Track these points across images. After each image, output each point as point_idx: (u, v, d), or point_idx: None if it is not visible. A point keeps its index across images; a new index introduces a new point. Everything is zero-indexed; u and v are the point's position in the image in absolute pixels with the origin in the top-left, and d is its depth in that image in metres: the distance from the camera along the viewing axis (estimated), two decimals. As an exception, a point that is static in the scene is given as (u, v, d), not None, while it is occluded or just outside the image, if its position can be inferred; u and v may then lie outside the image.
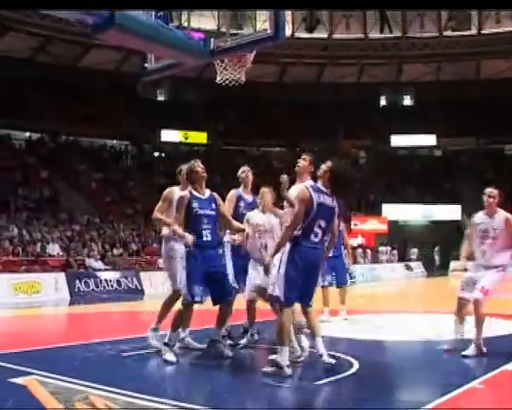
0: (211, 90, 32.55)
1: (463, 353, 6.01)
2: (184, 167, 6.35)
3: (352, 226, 29.31)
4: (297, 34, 33.25)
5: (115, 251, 20.63)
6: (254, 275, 6.37)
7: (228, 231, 6.76)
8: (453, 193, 33.67)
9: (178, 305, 6.12)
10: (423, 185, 34.47)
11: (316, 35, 34.27)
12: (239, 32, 21.59)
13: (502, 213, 6.32)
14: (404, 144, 37.58)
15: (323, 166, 5.54)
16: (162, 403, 4.35)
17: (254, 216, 6.54)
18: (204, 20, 28.37)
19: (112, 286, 16.79)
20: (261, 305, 6.61)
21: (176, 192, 6.43)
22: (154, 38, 5.71)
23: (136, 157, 34.26)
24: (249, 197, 6.94)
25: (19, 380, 4.95)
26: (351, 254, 10.90)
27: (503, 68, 34.03)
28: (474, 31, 33.32)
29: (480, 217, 6.39)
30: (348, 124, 35.32)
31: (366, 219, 31.97)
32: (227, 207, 6.65)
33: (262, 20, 26.45)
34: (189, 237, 5.75)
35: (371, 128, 36.17)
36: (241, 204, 6.84)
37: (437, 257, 31.44)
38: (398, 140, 37.40)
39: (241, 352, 6.52)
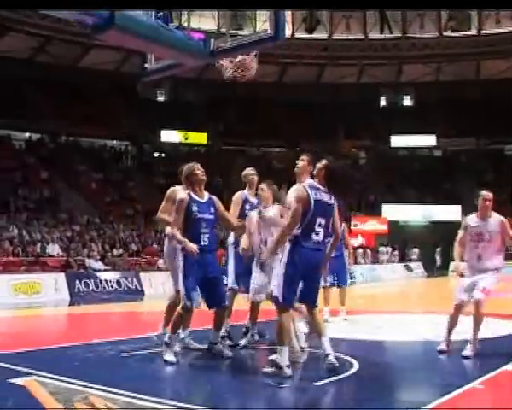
0: (211, 90, 32.76)
1: (463, 354, 6.01)
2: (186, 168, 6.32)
3: (352, 227, 29.29)
4: (297, 34, 33.24)
5: (115, 251, 20.63)
6: (257, 276, 6.35)
7: (232, 232, 6.75)
8: (453, 193, 33.65)
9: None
10: (423, 186, 34.46)
11: (316, 35, 34.25)
12: (239, 32, 21.67)
13: (496, 216, 6.31)
14: (404, 145, 37.55)
15: (319, 165, 5.58)
16: (162, 403, 4.34)
17: (255, 213, 6.51)
18: (204, 21, 28.37)
19: (112, 287, 16.78)
20: (263, 305, 6.61)
21: (179, 192, 6.36)
22: (154, 38, 5.71)
23: (136, 157, 34.26)
24: (255, 199, 6.90)
25: (19, 380, 4.94)
26: (352, 254, 10.90)
27: (503, 68, 34.02)
28: (474, 31, 33.30)
29: (473, 220, 6.35)
30: (348, 124, 35.32)
31: (366, 219, 31.95)
32: (232, 210, 6.64)
33: (262, 21, 26.49)
34: (189, 245, 5.71)
35: (371, 128, 36.17)
36: (247, 206, 6.78)
37: (438, 257, 31.44)
38: (398, 140, 37.38)
39: (240, 352, 6.52)
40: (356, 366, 5.59)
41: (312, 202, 5.30)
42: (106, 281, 16.82)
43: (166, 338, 5.94)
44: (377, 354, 6.84)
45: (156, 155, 35.39)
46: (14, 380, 4.96)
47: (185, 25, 6.41)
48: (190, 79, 31.55)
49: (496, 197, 6.53)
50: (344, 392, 5.05)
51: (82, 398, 4.43)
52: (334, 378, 5.10)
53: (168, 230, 6.44)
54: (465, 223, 6.43)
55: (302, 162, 6.11)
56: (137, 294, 16.77)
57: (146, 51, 6.40)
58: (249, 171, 7.05)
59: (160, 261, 19.07)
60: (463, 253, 6.37)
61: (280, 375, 5.12)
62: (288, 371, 5.17)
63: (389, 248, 31.21)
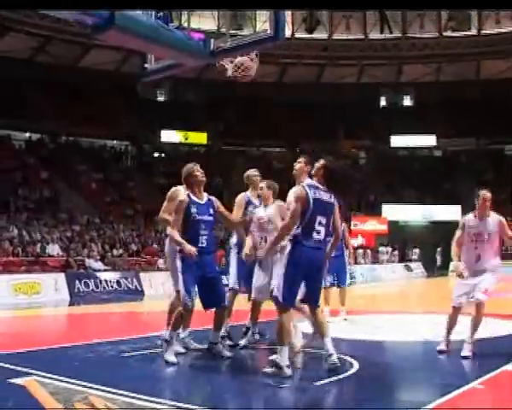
0: (211, 90, 32.78)
1: (462, 354, 6.01)
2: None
3: (352, 227, 29.30)
4: (297, 34, 33.25)
5: (115, 252, 20.63)
6: (258, 276, 6.34)
7: (235, 234, 6.73)
8: (453, 193, 33.64)
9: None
10: (423, 186, 34.46)
11: (316, 35, 34.26)
12: (239, 32, 21.66)
13: (495, 216, 6.28)
14: (404, 145, 37.56)
15: (317, 165, 5.59)
16: (162, 404, 4.34)
17: (257, 211, 6.51)
18: (204, 21, 28.39)
19: (112, 287, 16.77)
20: (264, 305, 6.60)
21: (181, 192, 6.31)
22: (154, 38, 5.70)
23: (136, 157, 34.26)
24: (258, 201, 6.87)
25: (18, 381, 4.94)
26: (352, 254, 10.90)
27: (503, 69, 34.01)
28: (474, 31, 33.30)
29: (472, 220, 6.30)
30: (348, 124, 35.33)
31: (366, 219, 31.97)
32: (236, 212, 6.62)
33: (262, 21, 26.45)
34: (188, 247, 5.70)
35: (371, 128, 36.18)
36: (250, 208, 6.75)
37: (439, 257, 31.43)
38: (397, 140, 37.39)
39: (240, 352, 6.52)
40: (356, 366, 5.58)
41: (311, 200, 5.31)
42: (106, 281, 16.82)
43: (167, 336, 5.93)
44: (377, 354, 6.84)
45: (156, 155, 35.40)
46: (14, 380, 4.96)
47: (185, 25, 6.40)
48: (190, 79, 31.56)
49: (496, 197, 6.53)
50: (344, 392, 5.05)
51: (82, 398, 4.43)
52: (334, 378, 5.10)
53: (169, 230, 6.43)
54: (463, 223, 6.37)
55: (299, 164, 6.10)
56: (137, 294, 16.77)
57: (146, 51, 6.40)
58: (252, 172, 7.01)
59: (160, 261, 19.09)
60: (460, 252, 6.34)
61: (280, 375, 5.12)
62: (288, 371, 5.17)
63: (389, 249, 31.22)
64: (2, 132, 28.71)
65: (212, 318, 6.10)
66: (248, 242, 6.37)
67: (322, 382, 4.98)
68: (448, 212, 32.67)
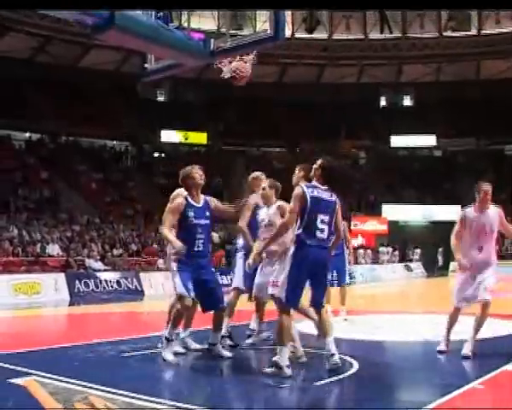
0: (211, 90, 32.72)
1: (463, 352, 6.00)
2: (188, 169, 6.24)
3: (352, 227, 29.26)
4: (297, 34, 33.23)
5: (115, 252, 20.63)
6: (259, 274, 6.33)
7: (242, 237, 6.70)
8: (453, 193, 33.61)
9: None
10: (423, 186, 34.46)
11: (316, 35, 34.25)
12: (239, 32, 21.65)
13: (493, 208, 6.27)
14: (404, 145, 37.55)
15: (314, 165, 5.59)
16: (161, 404, 4.35)
17: (260, 213, 6.49)
18: (204, 21, 28.37)
19: (112, 287, 16.77)
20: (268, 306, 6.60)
21: (183, 196, 6.28)
22: (154, 38, 5.70)
23: (136, 157, 34.26)
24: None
25: (18, 380, 4.95)
26: (352, 253, 10.90)
27: (503, 69, 34.00)
28: (473, 31, 33.28)
29: (472, 213, 6.26)
30: (348, 124, 35.31)
31: (366, 219, 31.97)
32: (245, 217, 6.57)
33: (262, 21, 26.44)
34: (178, 244, 5.67)
35: (371, 128, 36.17)
36: (259, 212, 6.72)
37: (440, 257, 31.43)
38: (397, 140, 37.38)
39: (240, 352, 6.52)
40: (356, 366, 5.58)
41: (308, 198, 5.31)
42: (106, 281, 16.82)
43: (166, 333, 5.92)
44: (377, 354, 6.84)
45: (156, 155, 35.40)
46: (13, 380, 4.96)
47: (185, 25, 6.40)
48: (190, 79, 31.55)
49: (496, 197, 6.51)
50: (344, 392, 5.05)
51: (82, 398, 4.43)
52: (334, 378, 5.10)
53: (161, 227, 6.40)
54: (463, 216, 6.32)
55: (296, 176, 5.96)
56: (137, 294, 16.77)
57: (146, 51, 6.40)
58: (258, 175, 6.89)
59: (160, 261, 19.09)
60: (460, 246, 6.30)
61: (280, 375, 5.12)
62: (288, 372, 5.16)
63: (389, 249, 31.21)
64: (2, 132, 28.71)
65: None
66: (256, 247, 6.32)
67: (322, 382, 4.98)
68: (448, 212, 32.58)
